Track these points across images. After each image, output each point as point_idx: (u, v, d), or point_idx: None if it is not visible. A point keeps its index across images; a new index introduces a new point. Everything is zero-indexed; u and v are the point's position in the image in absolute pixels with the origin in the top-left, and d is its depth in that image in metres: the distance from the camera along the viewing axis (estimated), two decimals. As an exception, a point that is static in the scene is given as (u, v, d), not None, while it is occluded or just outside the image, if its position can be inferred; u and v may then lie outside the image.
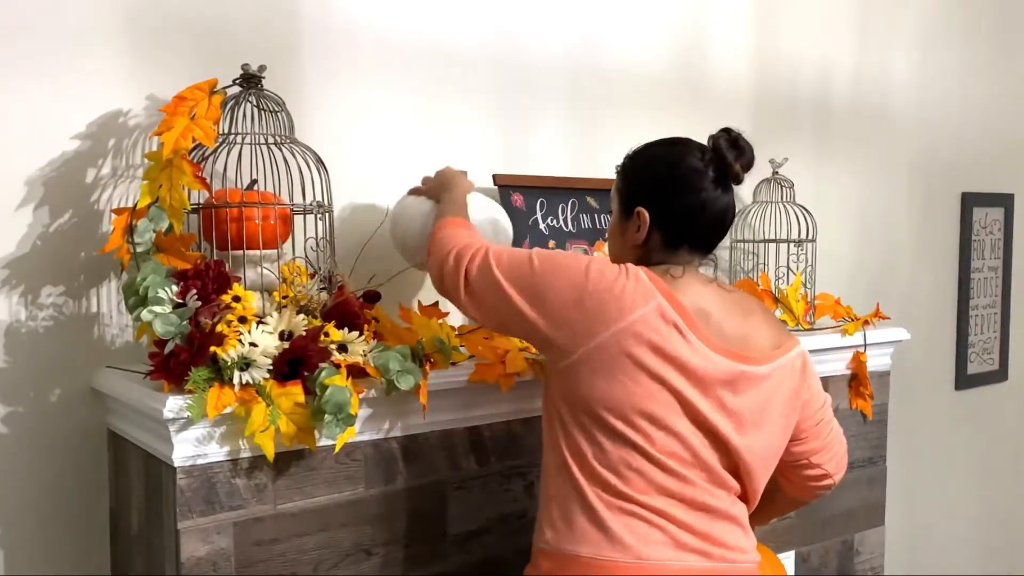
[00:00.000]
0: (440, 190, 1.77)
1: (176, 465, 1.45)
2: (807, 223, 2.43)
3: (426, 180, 1.84)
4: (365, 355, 1.58)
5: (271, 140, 1.65)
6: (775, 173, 2.48)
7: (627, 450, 1.44)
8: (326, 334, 1.55)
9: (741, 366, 1.48)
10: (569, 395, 1.47)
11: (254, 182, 1.64)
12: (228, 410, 1.44)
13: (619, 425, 1.43)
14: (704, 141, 1.55)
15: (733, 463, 1.50)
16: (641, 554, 1.43)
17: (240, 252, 1.59)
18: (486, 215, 1.80)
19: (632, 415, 1.43)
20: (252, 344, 1.47)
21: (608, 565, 1.43)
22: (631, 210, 1.55)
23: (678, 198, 1.52)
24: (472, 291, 1.52)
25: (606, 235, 1.67)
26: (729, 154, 1.51)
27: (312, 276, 1.63)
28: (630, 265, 1.48)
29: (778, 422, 1.55)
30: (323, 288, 1.64)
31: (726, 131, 1.54)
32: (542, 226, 2.13)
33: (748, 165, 1.54)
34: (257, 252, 1.63)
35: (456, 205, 1.69)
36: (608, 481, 1.44)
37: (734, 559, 1.50)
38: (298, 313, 1.56)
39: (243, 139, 1.63)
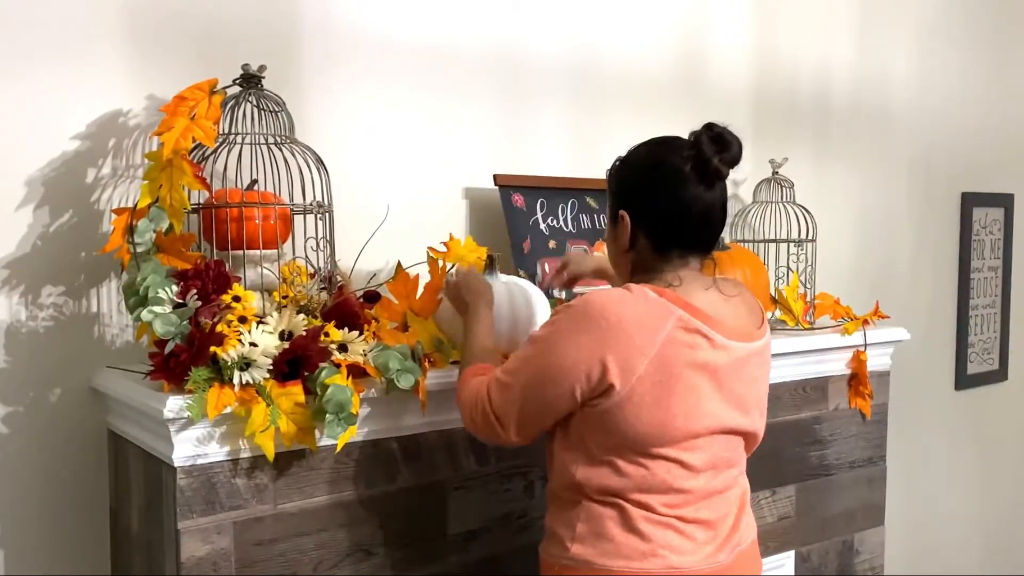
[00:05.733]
0: (460, 306, 1.69)
1: (176, 465, 1.45)
2: (807, 223, 2.43)
3: (452, 282, 1.73)
4: (365, 355, 1.58)
5: (271, 140, 1.65)
6: (775, 173, 2.48)
7: (670, 470, 1.44)
8: (326, 334, 1.55)
9: (750, 344, 1.50)
10: (606, 432, 1.43)
11: (254, 182, 1.64)
12: (228, 410, 1.44)
13: (664, 451, 1.43)
14: (717, 166, 1.48)
15: (743, 441, 1.55)
16: (673, 563, 1.44)
17: (240, 252, 1.59)
18: (510, 309, 1.73)
19: (681, 437, 1.44)
20: (252, 344, 1.47)
21: None
22: (616, 215, 1.51)
23: (658, 199, 1.47)
24: (504, 419, 1.47)
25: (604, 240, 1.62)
26: (709, 149, 1.44)
27: (312, 276, 1.63)
28: (631, 285, 1.44)
29: (765, 392, 1.59)
30: (323, 288, 1.64)
31: (709, 126, 1.47)
32: (542, 226, 2.13)
33: (732, 161, 1.46)
34: (257, 252, 1.63)
35: (477, 344, 1.62)
36: (646, 502, 1.44)
37: (742, 540, 1.54)
38: (298, 313, 1.56)
39: (243, 139, 1.64)
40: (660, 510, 1.44)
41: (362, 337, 1.59)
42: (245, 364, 1.46)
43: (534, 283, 1.94)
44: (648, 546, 1.43)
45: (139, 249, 1.55)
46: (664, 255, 1.49)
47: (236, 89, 1.64)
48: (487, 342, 1.62)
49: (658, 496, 1.44)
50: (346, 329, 1.58)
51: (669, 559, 1.44)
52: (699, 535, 1.47)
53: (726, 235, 2.50)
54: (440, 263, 1.82)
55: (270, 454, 1.48)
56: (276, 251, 1.67)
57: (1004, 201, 3.52)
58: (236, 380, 1.45)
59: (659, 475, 1.44)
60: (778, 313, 2.35)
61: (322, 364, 1.51)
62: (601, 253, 2.17)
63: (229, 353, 1.44)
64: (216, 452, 1.48)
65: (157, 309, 1.48)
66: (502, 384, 1.47)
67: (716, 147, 1.45)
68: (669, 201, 1.47)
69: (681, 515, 1.45)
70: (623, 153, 1.56)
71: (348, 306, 1.62)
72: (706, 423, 1.45)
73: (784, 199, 2.46)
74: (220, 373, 1.45)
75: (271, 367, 1.47)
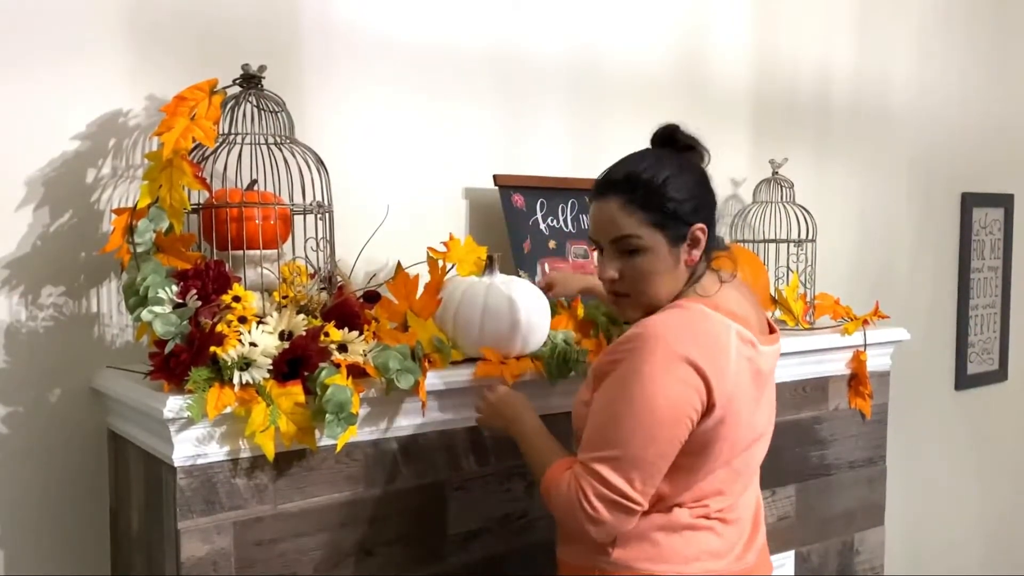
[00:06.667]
0: (499, 421, 1.61)
1: (176, 465, 1.45)
2: (807, 223, 2.43)
3: (485, 403, 1.64)
4: (365, 355, 1.58)
5: (271, 140, 1.65)
6: (775, 173, 2.48)
7: (724, 476, 1.46)
8: (326, 334, 1.55)
9: (772, 347, 1.52)
10: (695, 454, 1.41)
11: (254, 182, 1.64)
12: (228, 410, 1.44)
13: (735, 461, 1.46)
14: (702, 142, 1.53)
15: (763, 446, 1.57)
16: (711, 567, 1.46)
17: (240, 252, 1.59)
18: (510, 310, 1.71)
19: (743, 449, 1.46)
20: (252, 344, 1.47)
21: None
22: (683, 234, 1.45)
23: (714, 197, 1.51)
24: (629, 491, 1.36)
25: (633, 279, 1.48)
26: (691, 140, 1.52)
27: (312, 276, 1.63)
28: (684, 304, 1.42)
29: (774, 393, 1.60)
30: (323, 288, 1.64)
31: (674, 127, 1.53)
32: (542, 226, 2.13)
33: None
34: (257, 252, 1.63)
35: (543, 445, 1.52)
36: (704, 504, 1.46)
37: (760, 538, 1.57)
38: (298, 313, 1.56)
39: (243, 139, 1.64)
40: (712, 514, 1.47)
41: (362, 337, 1.59)
42: (245, 364, 1.46)
43: (533, 283, 1.94)
44: (690, 551, 1.45)
45: (139, 249, 1.55)
46: (708, 255, 1.51)
47: (236, 89, 1.64)
48: (549, 441, 1.53)
49: (712, 499, 1.47)
50: (346, 329, 1.58)
51: (708, 564, 1.46)
52: (733, 536, 1.50)
53: (726, 235, 2.50)
54: (440, 263, 1.82)
55: (270, 454, 1.48)
56: (276, 251, 1.67)
57: (1004, 201, 3.52)
58: (236, 380, 1.45)
59: (716, 484, 1.46)
60: (778, 313, 2.35)
61: (322, 364, 1.51)
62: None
63: (229, 353, 1.44)
64: (216, 452, 1.48)
65: (157, 309, 1.48)
66: (610, 460, 1.36)
67: (689, 138, 1.52)
68: (715, 196, 1.51)
69: (723, 517, 1.48)
70: (631, 176, 1.47)
71: (348, 306, 1.62)
72: (759, 430, 1.49)
73: (784, 199, 2.46)
74: (220, 373, 1.45)
75: (271, 367, 1.47)
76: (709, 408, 1.37)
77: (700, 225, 1.46)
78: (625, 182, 1.46)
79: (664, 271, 1.46)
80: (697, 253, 1.47)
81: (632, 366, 1.36)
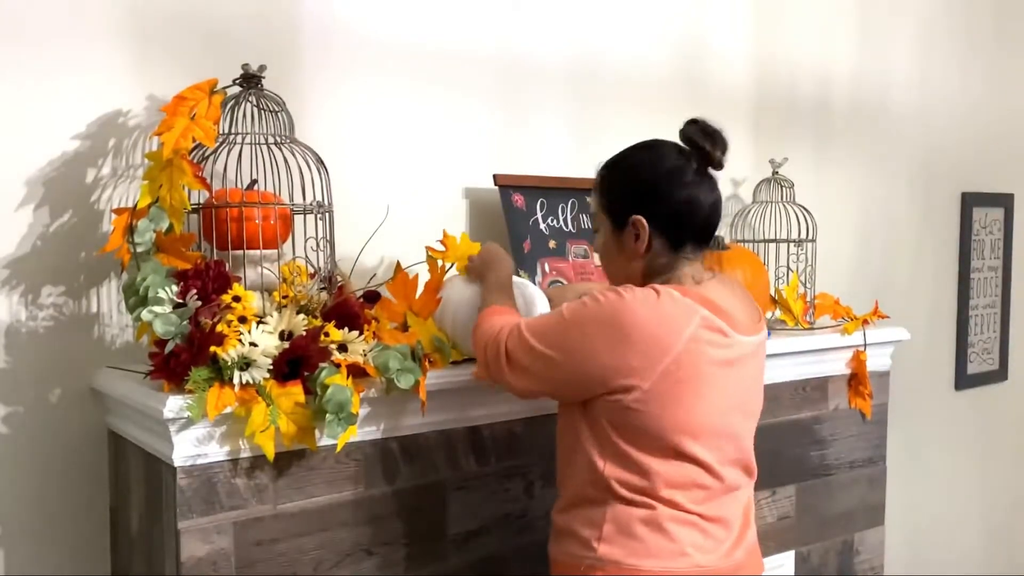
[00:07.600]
0: (484, 271, 1.72)
1: (176, 465, 1.45)
2: (807, 223, 2.43)
3: (473, 259, 1.77)
4: (365, 355, 1.58)
5: (271, 140, 1.65)
6: (775, 173, 2.48)
7: (694, 467, 1.47)
8: (326, 334, 1.55)
9: (756, 338, 1.54)
10: (633, 428, 1.45)
11: (254, 182, 1.63)
12: (228, 410, 1.44)
13: (689, 447, 1.46)
14: (705, 140, 1.55)
15: (749, 438, 1.58)
16: (699, 562, 1.47)
17: (240, 252, 1.59)
18: (520, 300, 1.74)
19: (703, 434, 1.46)
20: (252, 344, 1.47)
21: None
22: (624, 222, 1.53)
23: (669, 197, 1.51)
24: (514, 365, 1.51)
25: (598, 258, 1.64)
26: (705, 143, 1.51)
27: (312, 276, 1.63)
28: (658, 287, 1.46)
29: (761, 392, 1.62)
30: (323, 288, 1.64)
31: (693, 121, 1.54)
32: (542, 226, 2.13)
33: (725, 149, 1.53)
34: (257, 252, 1.63)
35: (499, 290, 1.66)
36: (674, 499, 1.47)
37: (751, 537, 1.58)
38: (298, 313, 1.56)
39: (243, 139, 1.63)
40: (688, 507, 1.47)
41: (362, 337, 1.59)
42: (245, 364, 1.46)
43: (534, 283, 1.94)
44: (675, 546, 1.46)
45: (139, 249, 1.55)
46: (678, 252, 1.53)
47: (236, 89, 1.64)
48: (508, 292, 1.66)
49: (684, 492, 1.47)
50: (346, 329, 1.58)
51: (695, 558, 1.47)
52: (719, 533, 1.50)
53: (726, 235, 2.50)
54: (439, 263, 1.82)
55: (270, 454, 1.48)
56: (276, 251, 1.67)
57: (1004, 201, 3.52)
58: (236, 380, 1.45)
59: (685, 471, 1.47)
60: (778, 313, 2.35)
61: (322, 364, 1.51)
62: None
63: (229, 353, 1.44)
64: (216, 452, 1.48)
65: (157, 309, 1.48)
66: (525, 344, 1.49)
67: (709, 139, 1.52)
68: (679, 196, 1.51)
69: (703, 512, 1.48)
70: (610, 161, 1.58)
71: (348, 306, 1.62)
72: (726, 419, 1.49)
73: (784, 199, 2.46)
74: (220, 373, 1.45)
75: (271, 367, 1.47)
76: (627, 386, 1.42)
77: (637, 217, 1.51)
78: (602, 166, 1.60)
79: (613, 255, 1.57)
80: (641, 245, 1.52)
81: (586, 312, 1.45)
